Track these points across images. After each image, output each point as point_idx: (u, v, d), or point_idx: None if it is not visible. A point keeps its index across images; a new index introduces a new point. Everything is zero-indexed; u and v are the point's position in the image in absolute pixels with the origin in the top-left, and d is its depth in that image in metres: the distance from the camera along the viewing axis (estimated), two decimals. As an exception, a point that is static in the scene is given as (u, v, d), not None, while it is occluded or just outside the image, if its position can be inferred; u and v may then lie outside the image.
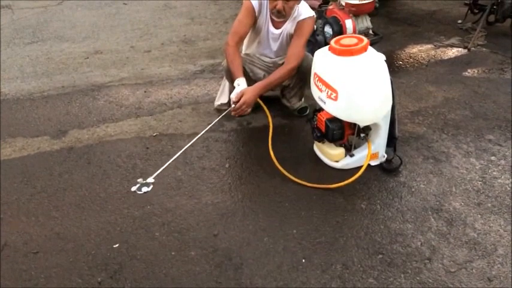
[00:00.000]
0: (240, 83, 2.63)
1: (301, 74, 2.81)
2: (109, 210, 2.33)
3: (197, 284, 1.93)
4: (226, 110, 2.78)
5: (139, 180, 2.47)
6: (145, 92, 3.54)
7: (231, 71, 2.72)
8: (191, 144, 2.79)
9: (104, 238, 2.17)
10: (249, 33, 2.87)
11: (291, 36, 2.80)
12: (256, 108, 3.00)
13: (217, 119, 2.61)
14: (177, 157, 2.68)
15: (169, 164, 2.57)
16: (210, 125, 2.51)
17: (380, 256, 2.03)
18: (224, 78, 3.10)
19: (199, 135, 2.45)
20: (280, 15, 2.70)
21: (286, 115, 3.09)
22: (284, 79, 2.78)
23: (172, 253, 2.07)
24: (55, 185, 2.53)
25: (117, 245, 2.12)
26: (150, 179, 2.45)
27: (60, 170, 2.65)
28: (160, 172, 2.55)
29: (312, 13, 2.75)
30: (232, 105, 2.60)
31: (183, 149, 2.46)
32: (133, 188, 2.40)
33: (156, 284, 1.93)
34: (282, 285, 1.91)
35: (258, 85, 2.65)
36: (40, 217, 2.31)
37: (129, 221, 2.26)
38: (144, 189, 2.43)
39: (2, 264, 2.05)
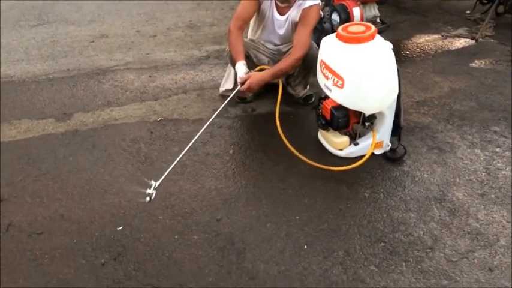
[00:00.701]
0: (240, 67, 2.61)
1: (306, 63, 2.79)
2: (113, 193, 2.34)
3: (200, 267, 1.94)
4: (230, 96, 2.77)
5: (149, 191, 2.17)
6: (150, 76, 3.53)
7: (232, 55, 2.71)
8: (195, 130, 2.79)
9: (108, 220, 2.18)
10: (253, 19, 2.85)
11: (296, 24, 2.78)
12: (259, 94, 2.99)
13: (223, 105, 2.60)
14: (182, 142, 2.69)
15: (173, 149, 2.58)
16: (217, 112, 2.50)
17: (382, 244, 2.04)
18: (229, 64, 3.09)
19: (207, 123, 2.44)
20: (284, 0, 2.68)
21: (291, 103, 3.08)
22: (290, 69, 2.77)
23: (176, 236, 2.09)
24: (60, 167, 2.54)
25: (120, 228, 2.14)
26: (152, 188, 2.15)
27: (65, 153, 2.66)
28: (165, 157, 2.56)
29: (317, 0, 2.73)
30: (239, 86, 2.60)
31: (193, 139, 2.40)
32: (148, 199, 2.11)
33: (159, 267, 1.95)
34: (283, 270, 1.92)
35: (264, 72, 2.63)
36: (45, 198, 2.33)
37: (133, 204, 2.27)
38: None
39: (7, 244, 2.07)
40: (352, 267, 1.94)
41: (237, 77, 2.62)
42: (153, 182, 2.07)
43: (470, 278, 1.87)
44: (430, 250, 2.00)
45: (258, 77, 2.59)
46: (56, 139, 2.79)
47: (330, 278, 1.89)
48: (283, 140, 2.42)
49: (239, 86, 2.59)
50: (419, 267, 1.93)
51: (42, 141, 2.77)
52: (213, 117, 2.48)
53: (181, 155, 2.26)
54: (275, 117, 2.46)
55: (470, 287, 1.84)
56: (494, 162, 2.50)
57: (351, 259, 1.97)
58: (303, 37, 2.69)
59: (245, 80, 2.56)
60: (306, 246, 2.03)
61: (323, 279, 1.89)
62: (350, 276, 1.89)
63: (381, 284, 1.86)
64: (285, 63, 2.67)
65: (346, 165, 2.39)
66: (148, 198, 2.03)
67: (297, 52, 2.67)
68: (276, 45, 2.92)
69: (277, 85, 2.63)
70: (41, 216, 2.22)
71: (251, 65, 2.75)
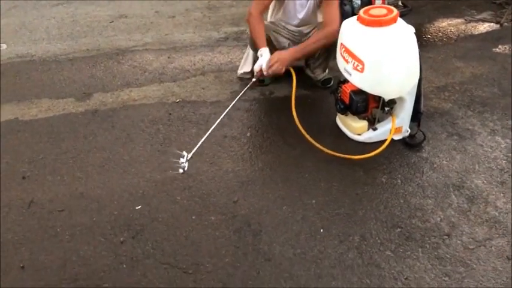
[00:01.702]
0: (263, 53, 2.61)
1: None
2: (132, 173, 2.38)
3: (216, 247, 1.97)
4: (248, 78, 2.78)
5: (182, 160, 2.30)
6: (168, 57, 3.54)
7: (254, 41, 2.69)
8: (213, 112, 2.81)
9: (127, 200, 2.22)
10: (273, 1, 2.82)
11: (317, 5, 2.74)
12: (278, 77, 2.97)
13: (245, 88, 2.59)
14: (200, 124, 2.70)
15: (191, 131, 2.61)
16: (240, 95, 2.51)
17: (398, 230, 2.04)
18: (248, 46, 3.08)
19: (232, 103, 2.45)
20: None
21: (309, 86, 3.06)
22: (322, 44, 2.67)
23: (193, 217, 2.11)
24: (79, 147, 2.58)
25: (139, 207, 2.17)
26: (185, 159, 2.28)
27: (85, 132, 2.70)
28: (183, 139, 2.58)
29: None
30: (254, 78, 2.61)
31: (223, 114, 2.40)
32: (181, 170, 2.25)
33: (176, 246, 1.98)
34: (299, 253, 1.94)
35: (293, 48, 2.59)
36: (65, 177, 2.37)
37: (152, 184, 2.30)
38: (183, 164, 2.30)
39: (29, 221, 2.12)
40: (368, 251, 1.94)
41: (261, 64, 2.60)
42: (185, 153, 2.10)
43: (487, 266, 1.86)
44: (447, 237, 1.99)
45: (286, 55, 2.56)
46: (76, 118, 2.83)
47: (345, 262, 1.90)
48: (300, 129, 2.42)
49: (255, 78, 2.60)
50: (435, 253, 1.92)
51: (63, 120, 2.81)
52: (236, 99, 2.48)
53: (209, 132, 2.30)
54: (291, 107, 2.46)
55: (487, 275, 1.83)
56: (515, 150, 2.46)
57: (366, 244, 1.97)
58: (333, 11, 2.62)
59: (272, 65, 2.55)
60: (321, 230, 2.04)
61: (338, 262, 1.90)
62: (365, 261, 1.90)
63: (396, 269, 1.86)
64: (317, 37, 2.62)
65: (364, 150, 2.38)
66: (181, 170, 2.06)
67: (331, 25, 2.59)
68: (297, 27, 2.88)
69: (295, 71, 2.61)
70: (62, 194, 2.27)
71: (271, 48, 2.73)
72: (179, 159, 2.17)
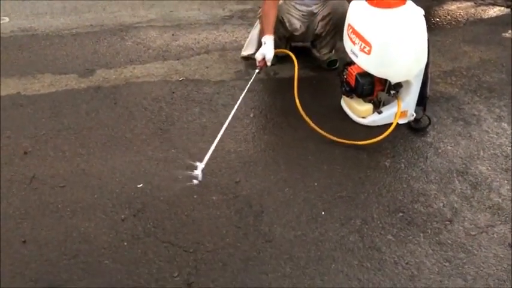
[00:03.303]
0: (267, 41, 2.58)
1: (336, 22, 2.71)
2: (134, 151, 2.36)
3: (217, 227, 1.97)
4: (253, 59, 2.75)
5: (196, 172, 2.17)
6: (173, 35, 3.49)
7: (262, 25, 2.66)
8: (217, 92, 2.78)
9: (128, 178, 2.21)
10: None
11: None
12: (282, 58, 2.93)
13: (250, 81, 2.54)
14: (203, 103, 2.68)
15: (194, 110, 2.59)
16: (250, 81, 2.49)
17: (400, 214, 2.03)
18: (254, 26, 3.03)
19: (244, 90, 2.44)
20: None
21: (315, 67, 3.02)
22: None
23: (194, 196, 2.10)
24: (82, 123, 2.56)
25: (141, 185, 2.16)
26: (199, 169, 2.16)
27: (87, 109, 2.68)
28: (186, 118, 2.56)
29: None
30: (257, 70, 2.61)
31: (241, 97, 2.40)
32: (195, 181, 2.15)
33: (177, 225, 1.97)
34: (300, 234, 1.94)
35: None
36: (67, 153, 2.36)
37: (154, 162, 2.29)
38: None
39: (30, 196, 2.12)
40: (369, 235, 1.94)
41: (263, 53, 2.58)
42: (198, 164, 2.08)
43: (489, 253, 1.86)
44: (449, 223, 1.99)
45: None
46: (78, 94, 2.81)
47: (346, 245, 1.89)
48: (303, 116, 2.40)
49: (268, 63, 2.60)
50: (437, 239, 1.92)
51: (65, 96, 2.79)
52: (241, 97, 2.43)
53: (222, 130, 2.25)
54: (294, 92, 2.44)
55: (488, 261, 1.83)
56: (521, 137, 2.44)
57: (368, 227, 1.97)
58: None
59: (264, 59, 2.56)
60: (323, 213, 2.03)
61: (339, 245, 1.89)
62: (366, 244, 1.90)
63: (397, 254, 1.86)
64: None
65: (368, 133, 2.36)
66: (195, 181, 2.06)
67: None
68: (308, 7, 2.83)
69: (300, 51, 2.58)
70: (63, 170, 2.26)
71: (283, 30, 2.70)
72: (193, 170, 2.13)
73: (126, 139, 2.45)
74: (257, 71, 2.61)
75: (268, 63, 2.59)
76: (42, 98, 2.77)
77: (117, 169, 2.26)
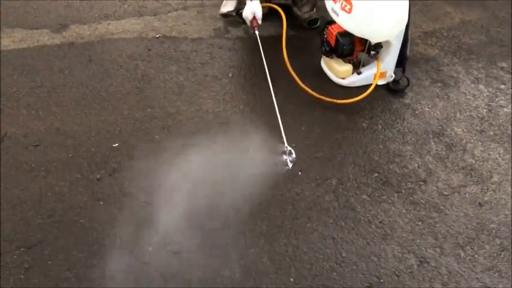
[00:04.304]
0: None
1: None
2: (109, 110, 2.32)
3: (194, 188, 1.97)
4: (232, 16, 2.68)
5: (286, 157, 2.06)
6: (150, -11, 3.36)
7: None
8: (194, 50, 2.72)
9: (104, 137, 2.18)
10: None
11: None
12: (263, 17, 2.86)
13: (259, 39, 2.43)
14: (180, 62, 2.62)
15: (171, 68, 2.53)
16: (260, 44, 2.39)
17: (376, 174, 2.05)
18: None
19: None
20: None
21: (295, 26, 2.96)
22: None
23: (171, 156, 2.09)
24: (55, 80, 2.49)
25: (116, 145, 2.13)
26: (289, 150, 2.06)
27: (61, 66, 2.59)
28: (163, 76, 2.51)
29: None
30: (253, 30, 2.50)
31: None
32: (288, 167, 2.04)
33: (155, 186, 1.96)
34: (277, 194, 1.95)
35: None
36: (40, 111, 2.30)
37: (129, 122, 2.25)
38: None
39: (2, 155, 2.07)
40: (344, 195, 1.96)
41: (252, 11, 2.46)
42: (287, 148, 2.01)
43: (460, 212, 1.91)
44: (423, 183, 2.03)
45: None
46: (51, 51, 2.70)
47: (321, 204, 1.92)
48: (290, 73, 2.37)
49: (259, 21, 2.49)
50: (410, 198, 1.96)
51: (37, 53, 2.69)
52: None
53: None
54: (282, 48, 2.40)
55: (458, 220, 1.88)
56: (497, 99, 2.47)
57: (343, 187, 1.99)
58: None
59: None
60: (300, 173, 2.05)
61: (314, 205, 1.92)
62: (341, 204, 1.93)
63: (371, 213, 1.90)
64: None
65: (348, 94, 2.35)
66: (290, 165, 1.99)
67: None
68: None
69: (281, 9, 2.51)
70: (36, 128, 2.21)
71: None
72: (282, 155, 2.05)
73: (102, 97, 2.39)
74: (256, 32, 2.48)
75: (259, 21, 2.49)
76: (13, 54, 2.67)
77: (92, 128, 2.22)
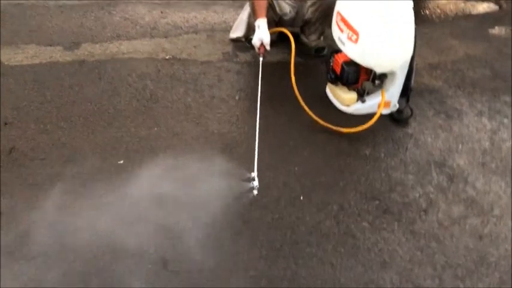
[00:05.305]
0: (261, 25, 2.56)
1: (326, 8, 2.71)
2: (116, 127, 2.35)
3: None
4: (242, 42, 2.74)
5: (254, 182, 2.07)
6: (161, 12, 3.44)
7: (254, 9, 2.63)
8: (203, 72, 2.77)
9: (109, 153, 2.20)
10: None
11: None
12: (272, 43, 2.92)
13: (260, 65, 2.54)
14: (188, 83, 2.67)
15: (179, 90, 2.58)
16: (260, 70, 2.49)
17: (377, 202, 2.06)
18: (243, 9, 3.01)
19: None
20: None
21: (302, 54, 3.00)
22: None
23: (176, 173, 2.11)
24: (65, 96, 2.54)
25: (121, 162, 2.16)
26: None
27: (71, 82, 2.65)
28: (171, 97, 2.56)
29: None
30: (260, 57, 2.58)
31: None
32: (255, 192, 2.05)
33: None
34: (277, 217, 1.96)
35: None
36: (48, 126, 2.34)
37: (135, 139, 2.28)
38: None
39: (9, 167, 2.10)
40: (345, 221, 1.97)
41: (260, 38, 2.55)
42: (253, 174, 2.04)
43: (459, 243, 1.91)
44: (423, 213, 2.03)
45: None
46: (62, 67, 2.77)
47: (321, 230, 1.93)
48: (297, 98, 2.42)
49: (267, 47, 2.58)
50: (410, 228, 1.96)
51: (49, 69, 2.75)
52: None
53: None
54: (290, 73, 2.46)
55: (458, 252, 1.88)
56: (499, 133, 2.49)
57: (344, 214, 2.00)
58: None
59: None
60: (301, 197, 2.06)
61: (315, 230, 1.93)
62: (342, 230, 1.93)
63: (371, 240, 1.90)
64: None
65: (351, 122, 2.38)
66: (255, 191, 2.02)
67: None
68: None
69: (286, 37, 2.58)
70: (44, 142, 2.24)
71: (273, 14, 2.68)
72: (250, 182, 2.09)
73: (109, 115, 2.43)
74: (260, 58, 2.57)
75: (268, 48, 2.57)
76: (25, 69, 2.73)
77: (99, 144, 2.25)
